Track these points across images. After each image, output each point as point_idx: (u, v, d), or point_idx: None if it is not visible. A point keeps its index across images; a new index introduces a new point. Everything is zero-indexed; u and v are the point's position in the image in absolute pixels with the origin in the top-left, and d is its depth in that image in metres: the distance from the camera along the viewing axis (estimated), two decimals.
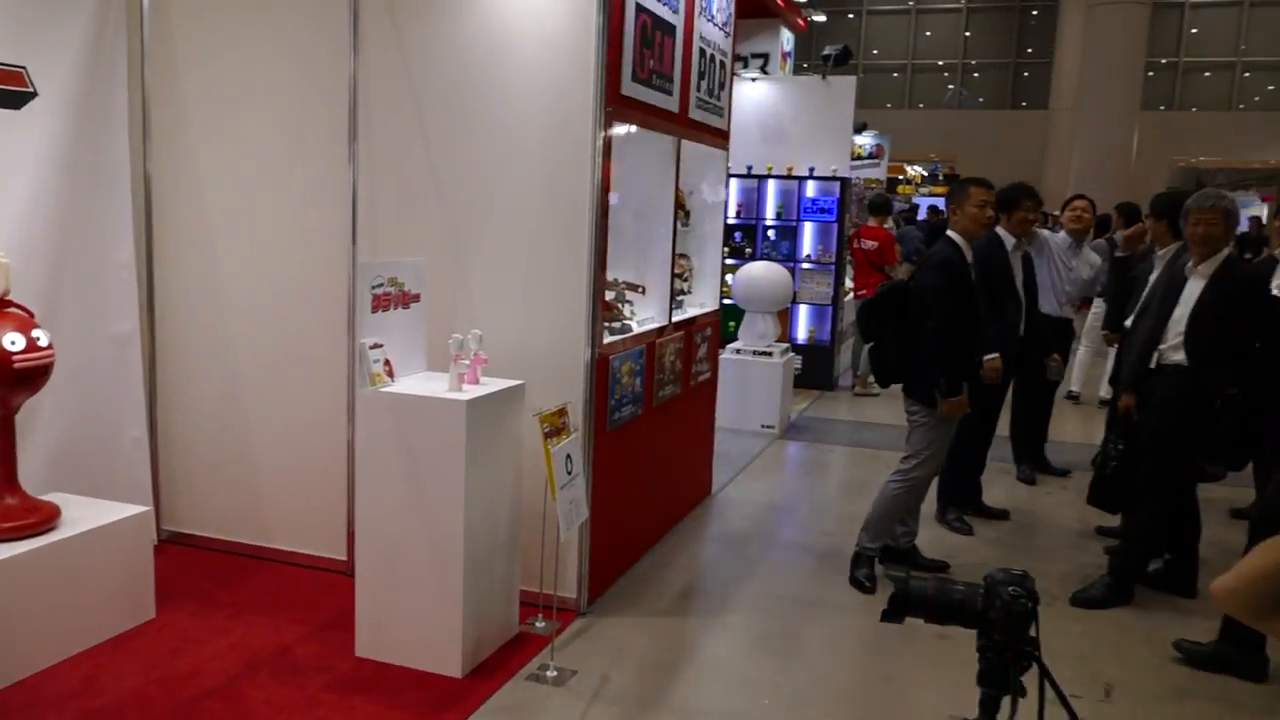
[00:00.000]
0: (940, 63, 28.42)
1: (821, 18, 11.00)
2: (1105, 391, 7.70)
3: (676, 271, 4.94)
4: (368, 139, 4.09)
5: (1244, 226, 16.75)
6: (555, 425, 3.53)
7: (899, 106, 28.20)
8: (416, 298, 3.62)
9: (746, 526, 5.25)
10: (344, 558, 4.25)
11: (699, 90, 4.76)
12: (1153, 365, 4.22)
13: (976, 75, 28.33)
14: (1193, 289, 4.12)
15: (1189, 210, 4.10)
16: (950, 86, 28.32)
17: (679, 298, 5.08)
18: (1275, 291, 3.48)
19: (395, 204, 4.10)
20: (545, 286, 3.91)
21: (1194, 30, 26.37)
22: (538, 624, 3.82)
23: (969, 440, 5.36)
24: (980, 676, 1.87)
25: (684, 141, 4.66)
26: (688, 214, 5.27)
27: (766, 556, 4.82)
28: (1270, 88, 26.10)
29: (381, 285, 3.45)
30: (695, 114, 4.75)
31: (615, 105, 3.82)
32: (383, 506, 3.43)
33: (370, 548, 3.49)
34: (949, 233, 4.42)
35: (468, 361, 3.49)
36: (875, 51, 28.65)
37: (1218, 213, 4.03)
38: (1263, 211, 24.26)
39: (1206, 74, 26.51)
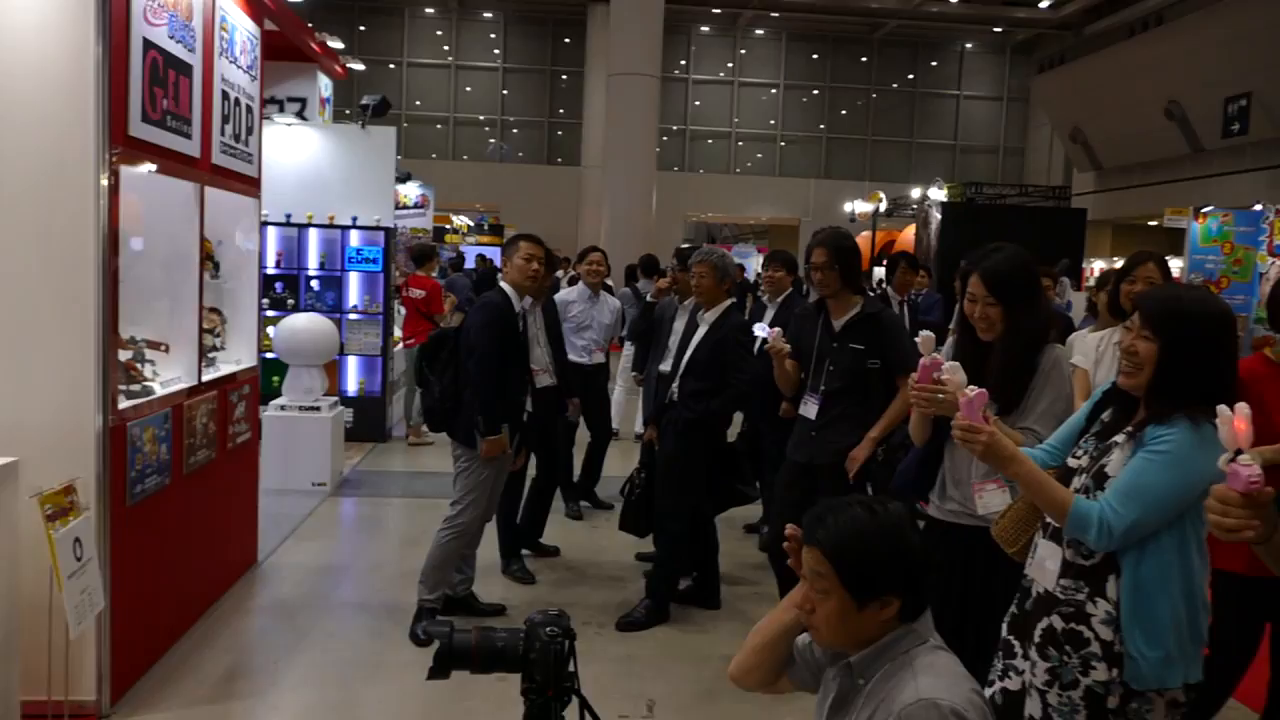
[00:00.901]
0: (481, 117, 29.53)
1: (361, 66, 10.90)
2: (640, 427, 8.39)
3: (207, 326, 4.59)
4: None
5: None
6: (60, 506, 3.09)
7: (444, 158, 28.80)
8: None
9: (298, 593, 4.97)
10: None
11: (223, 134, 4.49)
12: (669, 401, 4.71)
13: (516, 131, 29.82)
14: (700, 333, 4.66)
15: (690, 265, 4.65)
16: (492, 141, 29.50)
17: (210, 354, 4.72)
18: (757, 333, 4.02)
19: None
20: (41, 348, 3.42)
21: (697, 103, 30.06)
22: None
23: (539, 484, 5.61)
24: (525, 719, 1.91)
25: (209, 188, 4.35)
26: (217, 265, 4.92)
27: (320, 623, 4.59)
28: (759, 155, 30.48)
29: None
30: (220, 159, 4.46)
31: (123, 147, 3.47)
32: None
33: None
34: (500, 283, 4.58)
35: None
36: (418, 103, 29.05)
37: (708, 265, 4.63)
38: (758, 260, 28.20)
39: (710, 141, 30.31)
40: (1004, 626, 2.39)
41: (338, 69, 9.58)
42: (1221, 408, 1.53)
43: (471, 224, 23.33)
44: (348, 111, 16.05)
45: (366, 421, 8.61)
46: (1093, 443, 2.29)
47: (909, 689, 1.61)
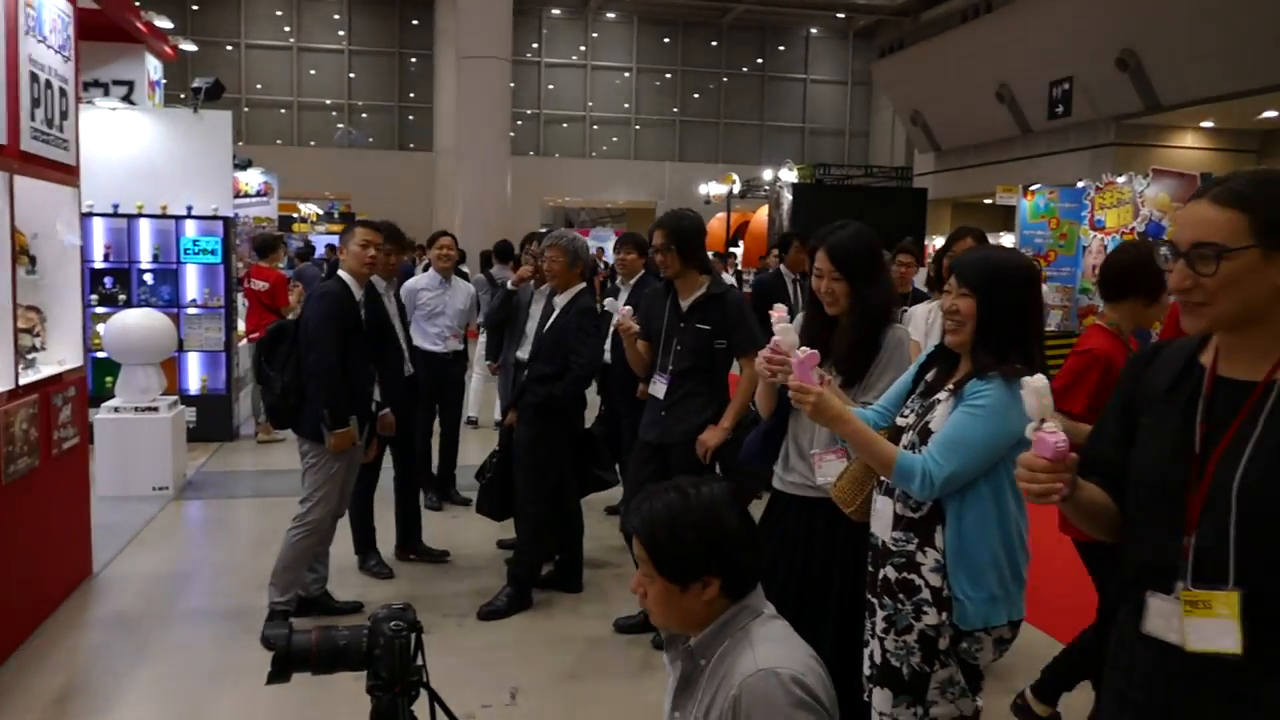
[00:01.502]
0: (328, 101, 28.57)
1: (192, 47, 10.37)
2: (499, 415, 8.30)
3: (24, 326, 4.29)
4: None
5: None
6: None
7: (289, 143, 27.75)
8: None
9: (138, 604, 4.72)
10: None
11: (34, 120, 4.19)
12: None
13: (365, 116, 28.98)
14: (552, 317, 4.66)
15: (543, 249, 4.63)
16: (340, 126, 28.59)
17: (29, 355, 4.41)
18: (608, 308, 4.04)
19: None
20: None
21: (551, 86, 29.89)
22: None
23: (400, 484, 5.45)
24: (372, 717, 1.87)
25: (19, 178, 4.06)
26: (33, 260, 4.59)
27: (164, 634, 4.37)
28: (614, 139, 30.56)
29: None
30: (30, 146, 4.16)
31: None
32: None
33: None
34: (339, 271, 4.46)
35: None
36: (259, 86, 27.87)
37: (558, 249, 4.63)
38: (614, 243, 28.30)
39: (565, 125, 30.20)
40: (867, 589, 2.49)
41: (167, 50, 9.10)
42: (1028, 379, 1.62)
43: (321, 212, 22.59)
44: (182, 95, 15.26)
45: (211, 420, 8.24)
46: (918, 401, 2.41)
47: (747, 660, 1.64)
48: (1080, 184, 14.60)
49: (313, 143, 28.24)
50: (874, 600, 2.43)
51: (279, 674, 1.84)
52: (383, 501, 5.37)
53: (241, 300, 8.78)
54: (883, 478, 2.39)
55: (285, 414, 4.35)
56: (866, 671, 2.45)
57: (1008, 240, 16.47)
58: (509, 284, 6.43)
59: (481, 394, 9.23)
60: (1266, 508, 1.49)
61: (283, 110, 28.15)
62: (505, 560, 5.28)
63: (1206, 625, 1.54)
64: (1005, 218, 19.67)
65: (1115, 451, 1.74)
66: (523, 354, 5.07)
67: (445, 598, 4.83)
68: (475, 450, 8.06)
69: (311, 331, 4.24)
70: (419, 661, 1.88)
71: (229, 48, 27.27)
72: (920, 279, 5.81)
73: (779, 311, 2.55)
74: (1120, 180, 13.24)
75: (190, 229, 8.20)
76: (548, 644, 4.35)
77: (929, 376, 2.45)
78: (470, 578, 5.18)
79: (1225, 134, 20.78)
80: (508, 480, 4.85)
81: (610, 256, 25.04)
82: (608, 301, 4.06)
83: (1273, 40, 15.48)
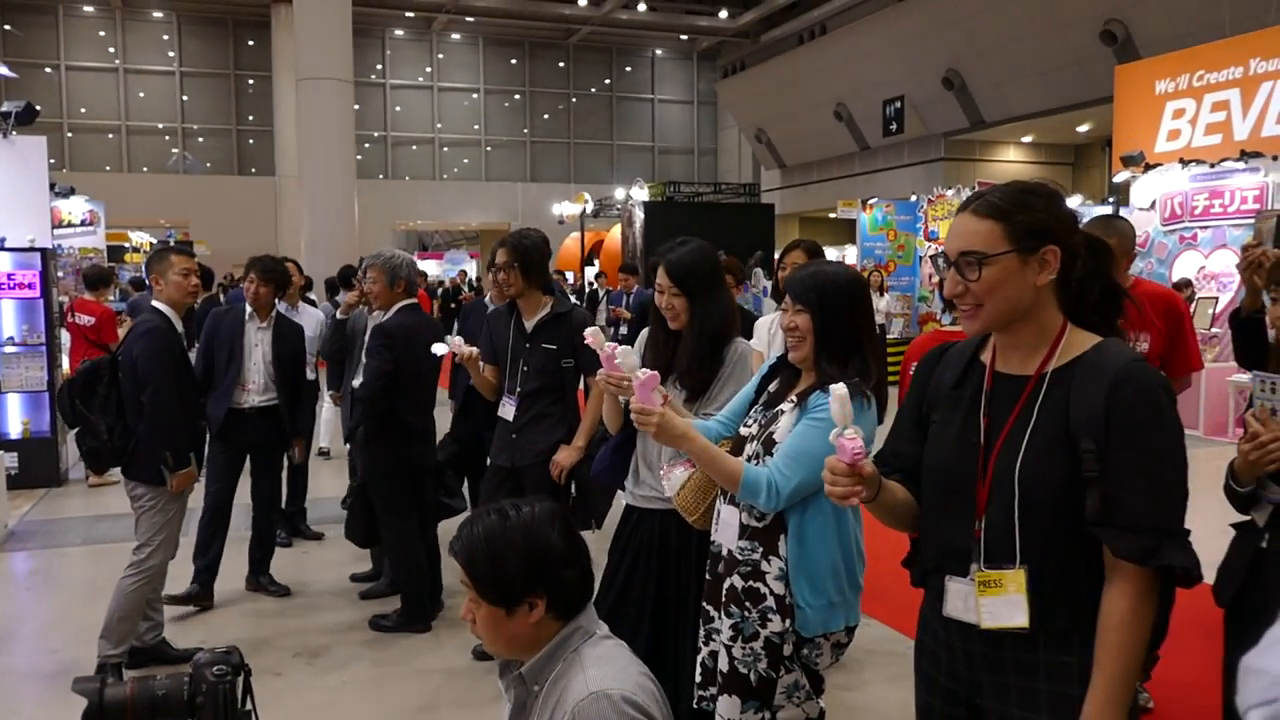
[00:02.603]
0: (160, 125, 27.30)
1: (5, 70, 9.75)
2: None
3: None
4: None
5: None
6: None
7: (118, 170, 26.37)
8: None
9: None
10: None
11: None
12: None
13: (201, 140, 27.85)
14: None
15: (363, 270, 4.59)
16: (174, 151, 27.36)
17: None
18: (436, 351, 3.94)
19: None
20: None
21: (397, 108, 29.41)
22: None
23: (259, 520, 5.26)
24: None
25: None
26: None
27: None
28: (465, 160, 30.29)
29: None
30: None
31: None
32: None
33: None
34: (154, 302, 4.24)
35: None
36: (83, 110, 26.40)
37: (377, 270, 4.62)
38: (473, 265, 28.09)
39: (414, 147, 29.75)
40: (706, 597, 2.51)
41: None
42: (835, 386, 1.69)
43: (155, 241, 21.52)
44: None
45: (35, 465, 7.69)
46: (761, 412, 2.46)
47: (579, 684, 1.62)
48: (913, 197, 15.32)
49: (145, 169, 26.91)
50: (711, 608, 2.46)
51: None
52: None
53: (65, 336, 8.26)
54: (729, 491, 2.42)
55: (109, 457, 4.10)
56: (699, 679, 2.47)
57: (851, 252, 17.14)
58: (338, 314, 6.26)
59: (333, 424, 8.95)
60: (1042, 490, 1.61)
61: (110, 135, 26.74)
62: (360, 594, 5.14)
63: (999, 603, 1.64)
64: (849, 231, 20.46)
65: (913, 448, 1.84)
66: (357, 383, 4.95)
67: (296, 635, 4.65)
68: (328, 482, 7.83)
69: (144, 369, 4.02)
70: (247, 706, 1.80)
71: (48, 70, 25.75)
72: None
73: (592, 337, 2.56)
74: (949, 193, 13.98)
75: (5, 262, 7.67)
76: (404, 678, 4.24)
77: (771, 387, 2.50)
78: (321, 615, 4.99)
79: (1044, 148, 22.24)
80: (369, 505, 4.75)
81: (473, 277, 24.78)
82: (436, 346, 3.93)
83: (1083, 60, 16.68)
